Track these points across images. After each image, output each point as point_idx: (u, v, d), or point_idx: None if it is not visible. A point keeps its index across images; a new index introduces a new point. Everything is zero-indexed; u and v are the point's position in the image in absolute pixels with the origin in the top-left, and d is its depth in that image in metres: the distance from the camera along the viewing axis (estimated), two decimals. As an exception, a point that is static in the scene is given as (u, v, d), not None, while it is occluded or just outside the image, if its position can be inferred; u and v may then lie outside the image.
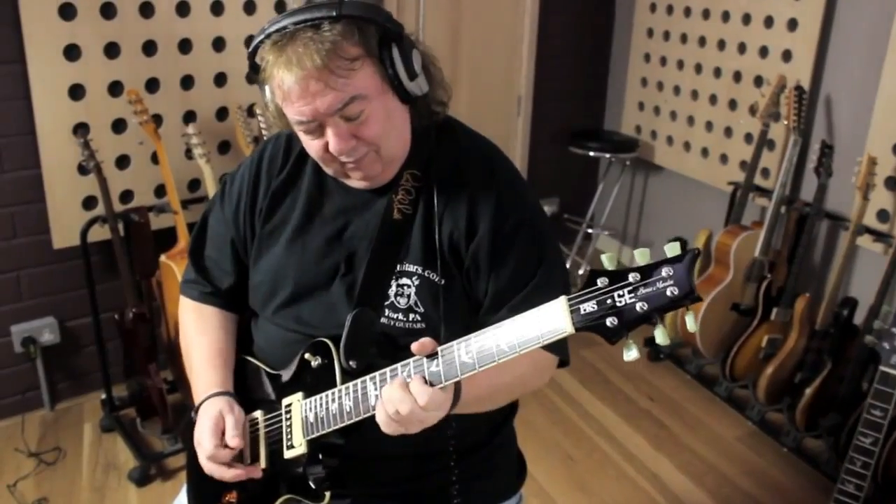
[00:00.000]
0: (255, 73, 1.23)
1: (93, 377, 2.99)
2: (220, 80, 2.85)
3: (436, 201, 1.28)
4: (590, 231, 4.13)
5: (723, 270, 3.09)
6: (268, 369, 1.39)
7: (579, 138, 3.99)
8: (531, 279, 1.28)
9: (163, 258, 2.63)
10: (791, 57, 3.15)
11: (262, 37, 1.16)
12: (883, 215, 2.87)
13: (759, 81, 3.30)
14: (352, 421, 1.19)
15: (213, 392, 1.35)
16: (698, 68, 3.60)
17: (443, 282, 1.27)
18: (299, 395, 1.29)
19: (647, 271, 0.94)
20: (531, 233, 1.29)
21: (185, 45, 2.75)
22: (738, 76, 3.40)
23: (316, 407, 1.25)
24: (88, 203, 2.72)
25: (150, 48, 2.68)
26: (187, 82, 2.80)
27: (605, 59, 4.21)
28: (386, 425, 1.10)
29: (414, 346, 1.10)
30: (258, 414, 1.35)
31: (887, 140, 2.81)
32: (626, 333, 0.95)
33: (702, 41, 3.55)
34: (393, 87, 1.20)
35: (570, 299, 0.98)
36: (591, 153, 3.92)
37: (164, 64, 2.72)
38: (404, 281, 1.27)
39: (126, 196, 2.79)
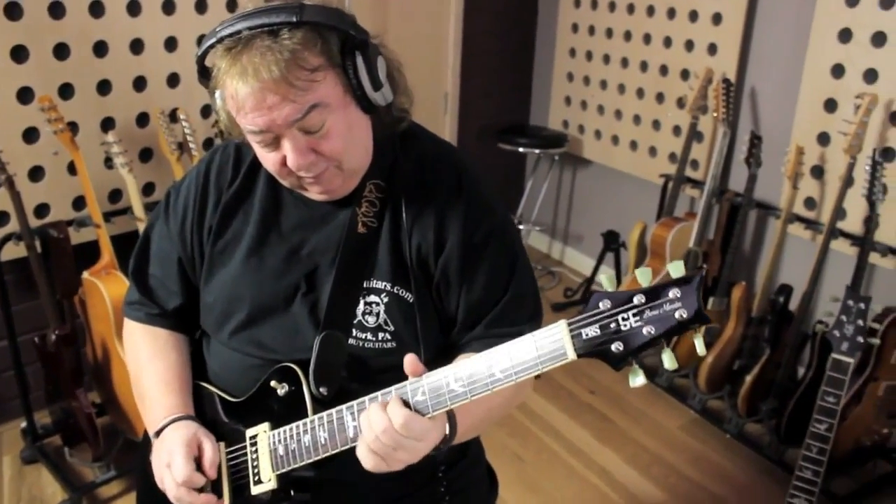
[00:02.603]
0: (203, 77, 1.14)
1: (10, 405, 2.78)
2: (140, 84, 2.69)
3: (404, 213, 1.21)
4: (520, 227, 4.13)
5: (659, 262, 3.12)
6: (225, 396, 1.30)
7: (507, 134, 3.97)
8: (504, 292, 1.24)
9: (85, 275, 2.47)
10: (716, 50, 3.20)
11: (213, 40, 1.07)
12: (810, 203, 2.95)
13: (685, 75, 3.35)
14: (327, 454, 1.12)
15: (179, 415, 1.26)
16: (624, 62, 3.63)
17: (413, 298, 1.21)
18: (265, 425, 1.21)
19: (653, 293, 0.90)
20: (502, 243, 1.24)
21: (100, 48, 2.57)
22: (664, 70, 3.44)
23: (286, 439, 1.17)
24: (0, 219, 2.52)
25: (61, 51, 2.50)
26: (104, 87, 2.62)
27: (529, 54, 4.20)
28: (367, 458, 1.03)
29: (406, 365, 1.03)
30: (220, 446, 1.26)
31: (812, 130, 2.89)
32: (632, 360, 0.91)
33: (627, 35, 3.58)
34: (356, 97, 1.12)
35: (570, 323, 0.93)
36: (521, 149, 3.91)
37: (78, 68, 2.54)
38: (372, 299, 1.21)
39: (42, 210, 2.60)
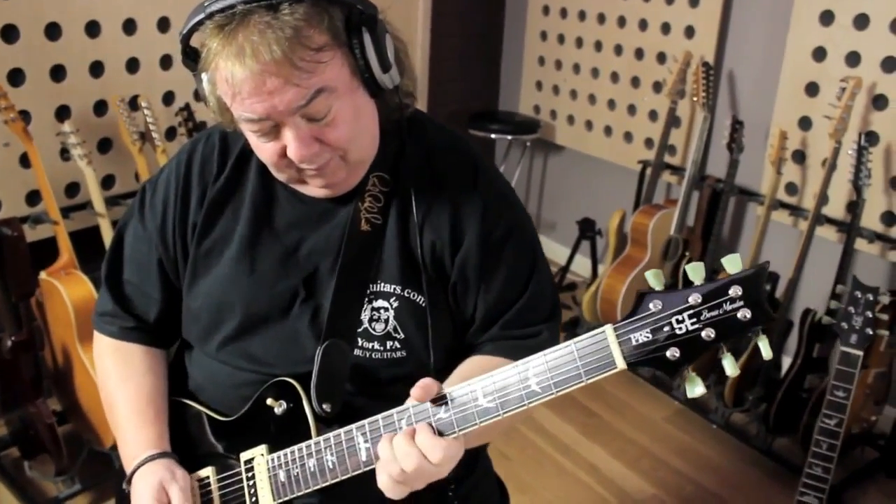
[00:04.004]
0: (187, 59, 1.02)
1: (-37, 415, 2.61)
2: (97, 69, 2.52)
3: (414, 209, 1.10)
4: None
5: (640, 251, 3.06)
6: (214, 415, 1.18)
7: (478, 120, 3.87)
8: (524, 291, 1.14)
9: (43, 275, 2.30)
10: (694, 33, 3.14)
11: (201, 16, 0.95)
12: (792, 188, 2.92)
13: (662, 58, 3.28)
14: (336, 480, 1.01)
15: (147, 456, 1.13)
16: (598, 46, 3.55)
17: (426, 302, 1.10)
18: (262, 448, 1.09)
19: (711, 292, 0.81)
20: (521, 239, 1.14)
21: (52, 30, 2.40)
22: (639, 53, 3.37)
23: (287, 463, 1.06)
24: (-54, 216, 2.35)
25: (10, 34, 2.33)
26: (58, 73, 2.45)
27: (498, 38, 4.10)
28: (390, 489, 0.93)
29: (415, 392, 0.93)
30: (209, 472, 1.14)
31: (793, 114, 2.84)
32: (688, 367, 0.82)
33: (601, 18, 3.50)
34: (363, 79, 1.01)
35: (616, 327, 0.84)
36: (493, 135, 3.81)
37: (28, 52, 2.36)
38: (380, 304, 1.10)
39: (-9, 206, 2.44)
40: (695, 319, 0.81)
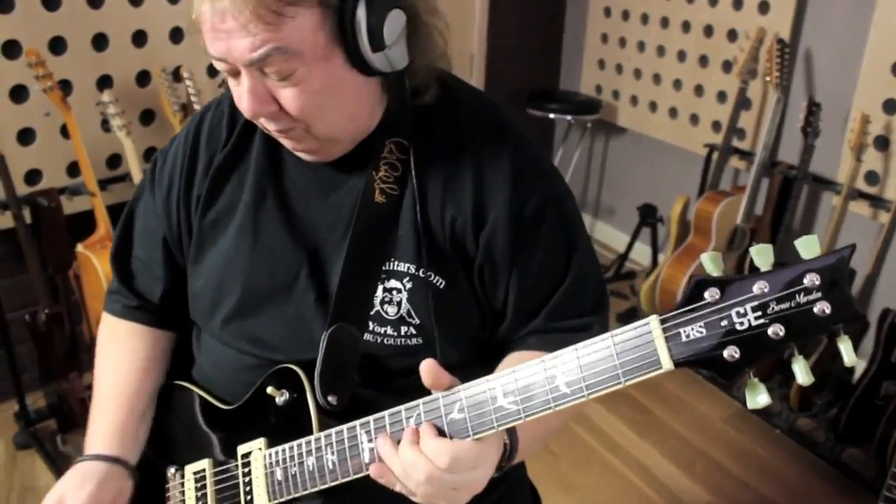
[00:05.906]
0: None
1: (2, 386, 2.59)
2: (140, 39, 2.46)
3: (435, 179, 0.97)
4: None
5: (704, 240, 2.87)
6: (214, 402, 1.08)
7: (537, 99, 3.71)
8: (564, 276, 1.00)
9: (80, 248, 2.27)
10: (768, 8, 2.92)
11: None
12: (872, 177, 2.69)
13: (732, 35, 3.06)
14: (336, 482, 0.90)
15: (92, 455, 1.07)
16: (665, 22, 3.35)
17: (445, 285, 0.98)
18: (260, 441, 0.99)
19: (780, 280, 0.66)
20: (558, 214, 1.00)
21: (95, -3, 2.35)
22: (709, 30, 3.16)
23: (285, 460, 0.95)
24: (-14, 185, 2.32)
25: (52, 1, 2.27)
26: (100, 42, 2.39)
27: (560, 14, 3.93)
28: (419, 497, 0.81)
29: (423, 375, 0.81)
30: (205, 464, 1.05)
31: (877, 96, 2.61)
32: (750, 370, 0.68)
33: (669, -7, 3.30)
34: (348, 52, 0.87)
35: (663, 319, 0.70)
36: (552, 115, 3.65)
37: (69, 20, 2.31)
38: (393, 284, 0.97)
39: (32, 177, 2.39)
40: (760, 313, 0.66)
